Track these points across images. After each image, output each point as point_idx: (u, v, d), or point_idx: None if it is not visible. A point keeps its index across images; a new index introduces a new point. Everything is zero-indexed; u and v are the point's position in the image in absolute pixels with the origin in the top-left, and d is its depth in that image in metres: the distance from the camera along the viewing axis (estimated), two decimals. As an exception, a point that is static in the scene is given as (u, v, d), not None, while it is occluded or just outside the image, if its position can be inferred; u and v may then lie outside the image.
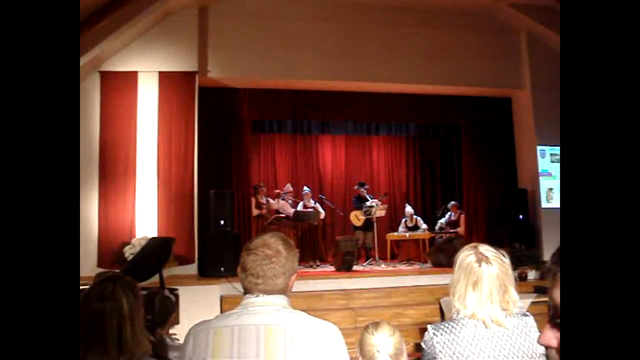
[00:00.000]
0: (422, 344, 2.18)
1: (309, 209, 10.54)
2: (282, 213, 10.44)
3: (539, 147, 10.23)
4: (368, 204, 10.70)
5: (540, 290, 7.91)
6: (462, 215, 11.07)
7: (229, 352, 1.81)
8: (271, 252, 1.91)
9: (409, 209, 11.38)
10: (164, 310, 3.94)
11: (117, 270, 5.95)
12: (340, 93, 10.53)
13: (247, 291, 1.94)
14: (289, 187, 10.84)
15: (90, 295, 2.12)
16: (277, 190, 10.91)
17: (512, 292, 2.13)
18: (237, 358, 1.80)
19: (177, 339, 3.77)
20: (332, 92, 10.48)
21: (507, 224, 10.42)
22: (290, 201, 10.62)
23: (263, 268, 1.89)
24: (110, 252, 8.29)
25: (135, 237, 8.34)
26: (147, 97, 8.80)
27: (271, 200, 10.53)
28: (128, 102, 8.71)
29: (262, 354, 1.79)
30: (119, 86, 8.70)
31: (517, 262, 8.79)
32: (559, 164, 10.13)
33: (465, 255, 2.18)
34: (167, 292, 4.51)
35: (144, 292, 4.03)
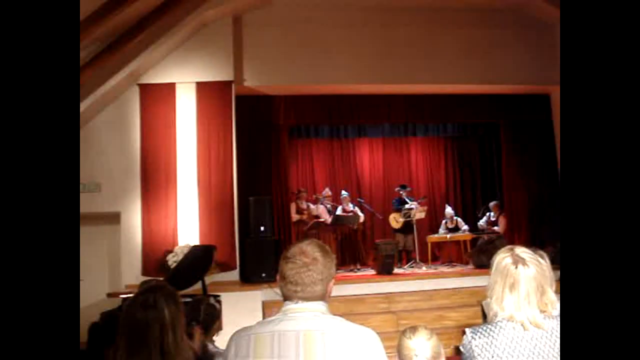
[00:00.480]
0: (461, 348, 2.18)
1: (348, 213, 10.55)
2: (321, 218, 10.47)
3: (580, 144, 9.98)
4: (407, 206, 10.65)
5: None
6: (503, 215, 10.90)
7: (270, 358, 1.85)
8: (308, 259, 1.94)
9: (449, 210, 11.25)
10: (209, 317, 4.01)
11: (161, 279, 6.08)
12: (376, 96, 10.52)
13: (286, 298, 1.98)
14: (327, 192, 10.86)
15: (133, 305, 2.20)
16: (316, 195, 10.95)
17: (550, 294, 2.12)
18: None
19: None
20: (367, 95, 10.47)
21: (549, 223, 10.22)
22: (329, 205, 10.64)
23: (301, 276, 1.92)
24: (154, 261, 8.46)
25: (177, 245, 8.49)
26: (186, 107, 8.98)
27: (312, 206, 10.57)
28: (167, 113, 8.90)
29: (301, 359, 1.83)
30: (158, 98, 8.90)
31: (561, 262, 8.62)
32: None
33: (502, 258, 2.17)
34: (210, 299, 4.59)
35: (189, 300, 4.12)
